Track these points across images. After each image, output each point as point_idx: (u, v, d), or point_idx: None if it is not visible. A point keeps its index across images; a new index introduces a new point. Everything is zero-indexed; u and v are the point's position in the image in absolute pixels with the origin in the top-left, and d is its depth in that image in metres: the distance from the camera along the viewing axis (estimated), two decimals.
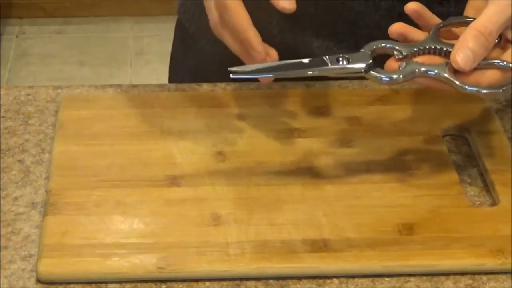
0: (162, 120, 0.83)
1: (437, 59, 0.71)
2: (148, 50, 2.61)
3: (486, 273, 0.71)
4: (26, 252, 0.72)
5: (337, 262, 0.70)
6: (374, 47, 0.72)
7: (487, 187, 0.79)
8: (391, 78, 0.71)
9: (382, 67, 0.72)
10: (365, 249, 0.71)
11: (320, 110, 0.85)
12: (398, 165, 0.79)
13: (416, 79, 0.71)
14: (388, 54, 0.73)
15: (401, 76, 0.70)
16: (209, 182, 0.77)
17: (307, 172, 0.78)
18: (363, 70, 0.71)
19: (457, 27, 0.74)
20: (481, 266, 0.71)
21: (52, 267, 0.69)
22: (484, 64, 0.70)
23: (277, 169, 0.78)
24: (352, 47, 0.88)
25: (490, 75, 0.70)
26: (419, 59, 0.71)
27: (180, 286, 0.70)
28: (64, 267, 0.69)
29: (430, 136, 0.82)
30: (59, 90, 0.89)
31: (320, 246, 0.71)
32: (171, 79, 1.06)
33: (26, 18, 2.73)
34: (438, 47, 0.72)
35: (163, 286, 0.70)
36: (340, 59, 0.71)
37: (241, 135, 0.82)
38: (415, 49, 0.72)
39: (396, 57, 0.72)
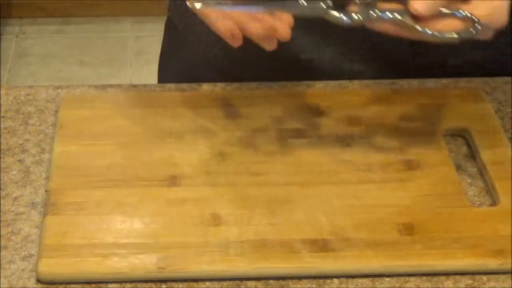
0: (162, 120, 0.83)
1: (399, 7, 0.72)
2: (148, 50, 2.61)
3: (486, 273, 0.71)
4: (26, 252, 0.72)
5: (337, 262, 0.70)
6: None
7: (487, 187, 0.79)
8: (351, 19, 0.72)
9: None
10: (365, 249, 0.71)
11: (320, 110, 0.85)
12: (398, 165, 0.79)
13: (376, 24, 0.72)
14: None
15: (361, 17, 0.72)
16: (209, 182, 0.77)
17: (307, 172, 0.78)
18: (322, 10, 0.72)
19: None
20: (481, 266, 0.71)
21: (52, 267, 0.69)
22: (444, 14, 0.71)
23: (277, 169, 0.78)
24: None
25: (450, 23, 0.71)
26: (380, 5, 0.72)
27: (180, 286, 0.70)
28: (64, 267, 0.69)
29: (430, 136, 0.82)
30: (59, 90, 0.89)
31: (320, 246, 0.71)
32: (160, 76, 1.06)
33: (26, 18, 2.73)
34: None
35: (163, 286, 0.70)
36: None
37: (241, 135, 0.82)
38: None
39: (358, 1, 0.73)
